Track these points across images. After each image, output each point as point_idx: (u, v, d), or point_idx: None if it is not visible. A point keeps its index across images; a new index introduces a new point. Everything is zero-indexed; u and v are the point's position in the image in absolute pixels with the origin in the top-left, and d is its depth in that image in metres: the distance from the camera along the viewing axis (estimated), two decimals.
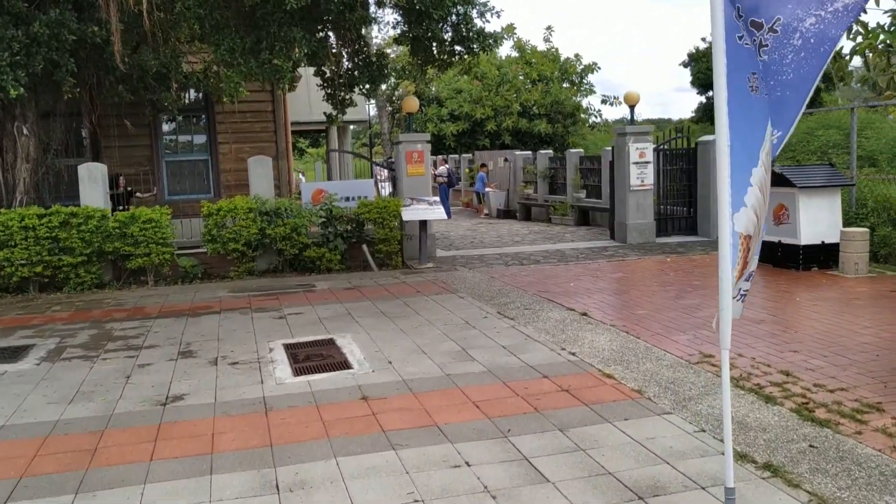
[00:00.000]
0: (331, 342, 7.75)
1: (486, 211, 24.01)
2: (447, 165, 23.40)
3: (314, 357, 7.23)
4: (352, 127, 32.31)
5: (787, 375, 6.22)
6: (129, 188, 14.54)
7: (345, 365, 6.90)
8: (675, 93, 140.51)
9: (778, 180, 11.22)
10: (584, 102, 36.01)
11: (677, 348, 7.11)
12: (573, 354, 6.99)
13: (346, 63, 13.30)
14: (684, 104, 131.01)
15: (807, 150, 29.80)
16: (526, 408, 5.65)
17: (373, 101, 33.58)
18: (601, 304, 9.16)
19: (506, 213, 22.94)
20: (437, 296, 10.02)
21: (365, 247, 12.51)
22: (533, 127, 32.74)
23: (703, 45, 50.23)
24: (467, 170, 28.36)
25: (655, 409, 5.55)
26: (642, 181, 14.16)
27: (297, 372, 6.76)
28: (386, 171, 17.45)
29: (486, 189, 23.94)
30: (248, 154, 15.84)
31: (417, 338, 7.78)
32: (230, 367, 7.02)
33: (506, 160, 23.68)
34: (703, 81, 48.54)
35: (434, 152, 32.97)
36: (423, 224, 12.57)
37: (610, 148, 18.37)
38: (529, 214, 21.97)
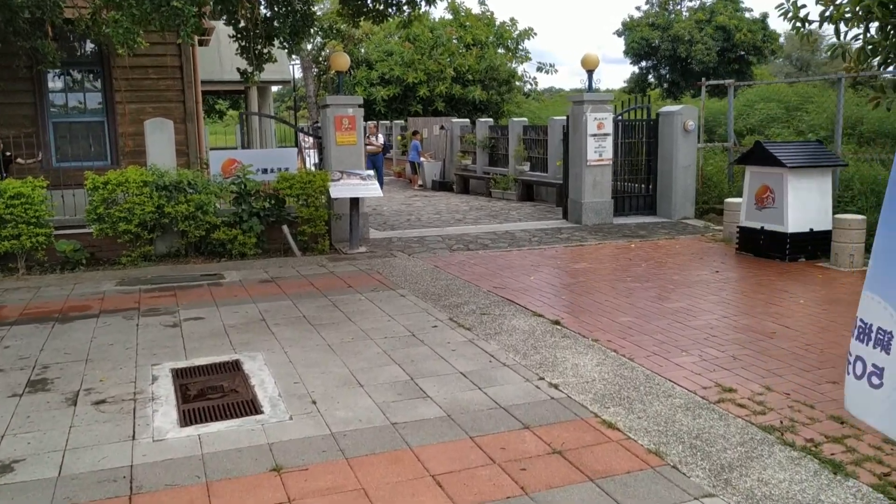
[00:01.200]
0: (236, 366, 5.86)
1: (420, 182, 22.17)
2: (379, 134, 21.35)
3: (212, 392, 5.34)
4: (275, 88, 29.87)
5: (842, 424, 4.67)
6: (8, 153, 12.17)
7: (252, 406, 5.05)
8: (602, 64, 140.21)
9: (762, 158, 9.76)
10: (520, 69, 34.44)
11: (685, 377, 5.50)
12: (556, 388, 5.30)
13: (264, 10, 11.20)
14: (613, 75, 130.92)
15: (746, 124, 28.72)
16: (509, 486, 3.93)
17: (297, 61, 31.20)
18: (573, 307, 7.50)
19: (441, 185, 21.15)
20: (372, 293, 8.20)
21: (285, 228, 10.55)
22: (467, 93, 30.93)
23: (637, 14, 49.10)
24: (399, 137, 26.38)
25: (690, 489, 3.90)
26: (600, 155, 12.55)
27: (186, 418, 4.87)
28: (311, 138, 15.43)
29: (421, 159, 22.07)
30: (152, 116, 13.72)
31: (350, 359, 5.97)
32: (94, 408, 5.08)
33: (442, 128, 21.83)
34: (636, 51, 47.45)
35: (364, 117, 30.83)
36: (355, 202, 10.68)
37: (559, 118, 16.76)
38: (467, 187, 20.24)
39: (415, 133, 22.62)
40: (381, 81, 30.75)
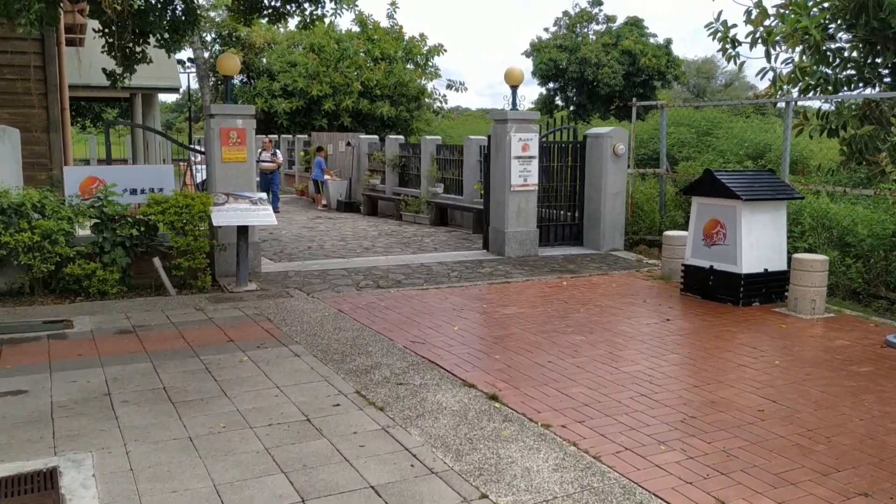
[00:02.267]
0: (50, 479, 4.06)
1: (324, 202, 20.42)
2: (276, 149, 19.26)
3: None
4: (170, 98, 27.49)
5: None
6: None
7: None
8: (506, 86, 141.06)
9: (712, 188, 8.59)
10: (429, 86, 33.16)
11: (675, 489, 4.06)
12: None
13: (137, 1, 9.34)
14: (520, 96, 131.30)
15: (657, 148, 28.26)
16: None
17: (193, 69, 28.98)
18: (511, 373, 5.99)
19: (347, 206, 19.47)
20: (259, 350, 6.48)
21: (157, 261, 8.68)
22: (375, 109, 29.42)
23: (545, 36, 48.78)
24: (302, 153, 24.53)
25: None
26: (525, 180, 11.19)
27: None
28: (201, 154, 13.64)
29: (325, 177, 20.33)
30: (7, 123, 11.67)
31: (218, 464, 4.27)
32: None
33: (348, 144, 20.18)
34: (544, 72, 47.03)
35: (264, 131, 28.77)
36: (244, 231, 8.91)
37: (475, 137, 15.44)
38: (376, 208, 18.63)
39: (319, 149, 20.86)
40: (284, 93, 28.88)
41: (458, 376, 5.83)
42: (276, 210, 18.35)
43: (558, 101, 49.35)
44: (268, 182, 18.16)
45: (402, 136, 19.36)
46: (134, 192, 9.05)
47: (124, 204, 8.70)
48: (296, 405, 5.17)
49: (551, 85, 48.79)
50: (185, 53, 39.09)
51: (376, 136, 20.56)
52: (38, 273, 8.14)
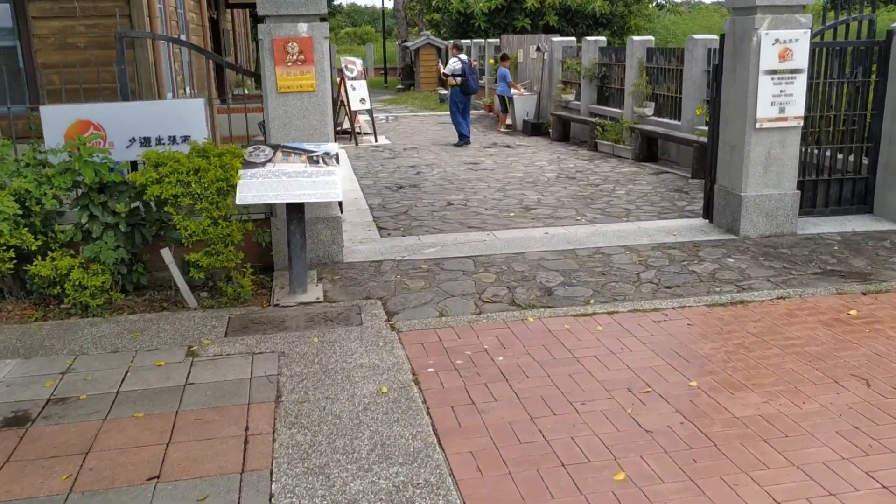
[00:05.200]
0: None
1: (508, 122, 16.42)
2: (461, 56, 14.56)
3: None
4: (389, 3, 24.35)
5: None
6: None
7: None
8: None
9: None
10: None
11: None
12: None
13: None
14: None
15: None
16: None
17: None
18: None
19: (534, 128, 15.30)
20: None
21: (167, 254, 5.39)
22: (586, 4, 24.49)
23: None
24: (492, 60, 20.43)
25: None
26: (782, 110, 6.55)
27: None
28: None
29: (512, 91, 16.22)
30: (84, 38, 9.21)
31: None
32: None
33: (538, 49, 15.82)
34: None
35: (461, 35, 24.89)
36: (296, 209, 5.36)
37: (702, 36, 10.64)
38: (567, 132, 14.37)
39: (503, 57, 16.60)
40: None
41: None
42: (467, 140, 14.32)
43: None
44: (462, 104, 14.03)
45: (604, 39, 14.64)
46: (146, 141, 5.76)
47: (122, 162, 5.47)
48: None
49: None
50: None
51: (573, 39, 15.96)
52: None
